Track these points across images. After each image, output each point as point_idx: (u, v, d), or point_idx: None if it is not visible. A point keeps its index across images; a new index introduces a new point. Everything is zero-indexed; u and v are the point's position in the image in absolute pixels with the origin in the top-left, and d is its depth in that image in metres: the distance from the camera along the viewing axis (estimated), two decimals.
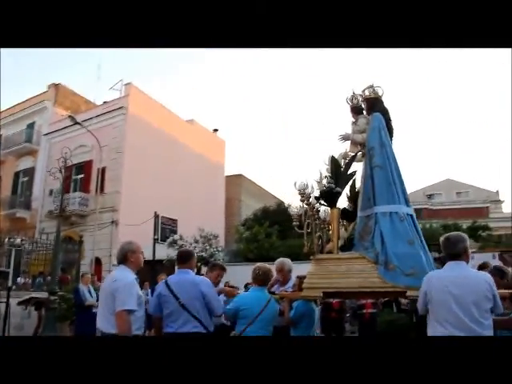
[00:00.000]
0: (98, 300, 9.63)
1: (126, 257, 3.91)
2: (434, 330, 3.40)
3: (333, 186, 4.57)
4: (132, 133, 22.11)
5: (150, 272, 16.14)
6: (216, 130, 30.02)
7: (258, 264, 4.72)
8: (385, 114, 5.02)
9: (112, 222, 20.94)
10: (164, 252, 17.94)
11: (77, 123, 19.30)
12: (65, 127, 23.83)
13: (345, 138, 4.96)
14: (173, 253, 17.39)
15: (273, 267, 5.21)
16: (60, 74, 62.59)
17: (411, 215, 4.59)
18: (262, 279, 4.56)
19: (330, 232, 5.18)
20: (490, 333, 3.25)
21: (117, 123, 22.41)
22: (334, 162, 4.68)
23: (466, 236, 3.57)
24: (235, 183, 30.81)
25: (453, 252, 3.47)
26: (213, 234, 17.64)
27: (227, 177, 30.41)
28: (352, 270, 4.31)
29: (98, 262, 20.58)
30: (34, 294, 8.90)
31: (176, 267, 4.78)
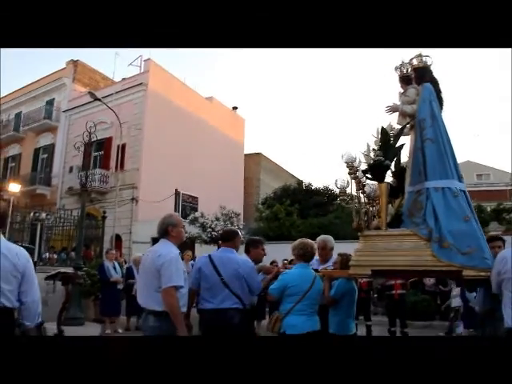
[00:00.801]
0: (122, 276, 9.70)
1: (166, 231, 3.75)
2: (508, 315, 3.24)
3: (382, 158, 4.33)
4: (152, 109, 21.94)
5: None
6: (235, 108, 29.69)
7: (302, 240, 4.53)
8: (435, 84, 4.74)
9: (132, 199, 20.94)
10: (186, 230, 17.90)
11: (97, 99, 19.11)
12: (84, 104, 23.74)
13: (393, 109, 4.68)
14: (194, 230, 17.39)
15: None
16: (78, 50, 62.36)
17: (464, 191, 4.34)
18: (309, 255, 4.40)
19: (374, 208, 4.98)
20: None
21: (137, 99, 22.23)
22: (383, 133, 4.43)
23: None
24: (254, 162, 30.61)
25: None
26: (234, 212, 17.52)
27: (246, 155, 30.19)
28: (403, 247, 4.10)
29: (117, 238, 20.63)
30: (62, 269, 8.83)
31: (219, 245, 4.72)
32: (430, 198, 4.21)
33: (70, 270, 9.53)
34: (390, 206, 4.85)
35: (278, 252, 10.09)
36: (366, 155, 4.46)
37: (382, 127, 4.48)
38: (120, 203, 20.64)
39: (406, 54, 4.89)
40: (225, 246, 4.46)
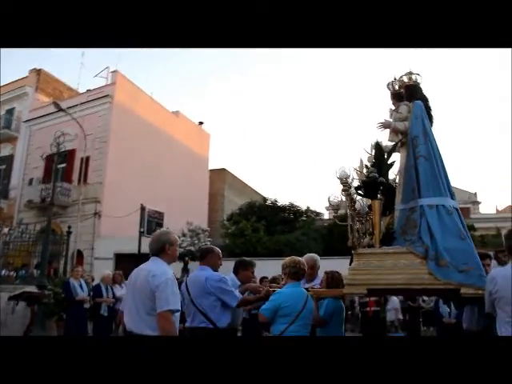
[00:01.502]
0: (89, 295, 9.24)
1: (163, 249, 3.50)
2: (505, 330, 3.21)
3: (376, 175, 4.27)
4: (117, 122, 21.53)
5: (135, 266, 15.67)
6: (201, 123, 29.53)
7: (293, 258, 4.39)
8: (425, 101, 4.76)
9: (95, 213, 20.31)
10: None
11: (61, 110, 18.57)
12: (46, 114, 23.04)
13: (385, 125, 4.67)
14: None
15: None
16: (41, 59, 60.82)
17: (456, 209, 4.34)
18: (302, 273, 4.28)
19: (363, 225, 4.91)
20: None
21: (102, 112, 21.77)
22: (378, 149, 4.38)
23: None
24: (219, 177, 30.38)
25: None
26: (201, 228, 17.26)
27: (211, 171, 29.98)
28: (399, 266, 4.03)
29: (79, 254, 19.93)
30: (27, 289, 8.37)
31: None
32: (425, 216, 4.18)
33: (33, 289, 9.00)
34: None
35: None
36: (360, 172, 4.41)
37: (377, 143, 4.45)
38: (82, 218, 19.99)
39: (397, 71, 4.91)
40: (200, 264, 4.49)
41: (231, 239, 21.11)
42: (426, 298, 12.05)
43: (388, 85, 4.87)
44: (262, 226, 20.99)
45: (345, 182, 4.24)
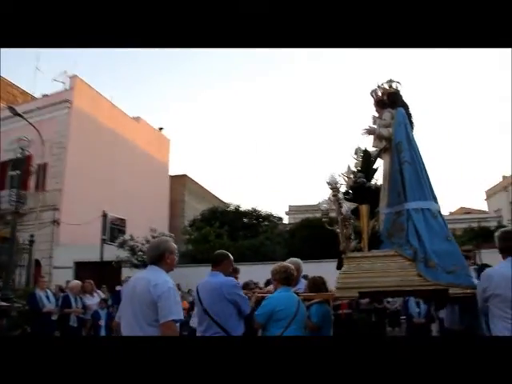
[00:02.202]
0: (56, 305, 8.92)
1: (162, 257, 3.38)
2: (496, 326, 3.35)
3: (364, 180, 4.39)
4: (76, 128, 20.92)
5: (97, 274, 15.35)
6: (161, 129, 29.21)
7: (283, 264, 4.40)
8: (406, 108, 4.93)
9: (53, 221, 19.66)
10: (112, 253, 17.11)
11: (17, 115, 17.87)
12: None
13: (370, 131, 4.80)
14: (122, 254, 16.65)
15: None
16: None
17: (439, 212, 4.51)
18: (292, 279, 4.30)
19: (347, 230, 5.01)
20: None
21: (60, 117, 21.04)
22: (366, 155, 4.50)
23: None
24: (179, 183, 30.09)
25: None
26: (165, 234, 16.98)
27: (171, 176, 29.67)
28: (389, 268, 4.15)
29: (37, 263, 19.22)
30: None
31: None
32: (411, 219, 4.32)
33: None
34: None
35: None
36: (348, 177, 4.50)
37: (365, 150, 4.56)
38: (40, 226, 19.33)
39: (379, 78, 5.05)
40: (213, 270, 4.27)
41: (194, 245, 20.93)
42: (390, 299, 12.36)
43: (371, 92, 5.00)
44: (225, 232, 20.93)
45: (334, 187, 4.32)
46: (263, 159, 79.21)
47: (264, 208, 24.83)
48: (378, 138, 4.81)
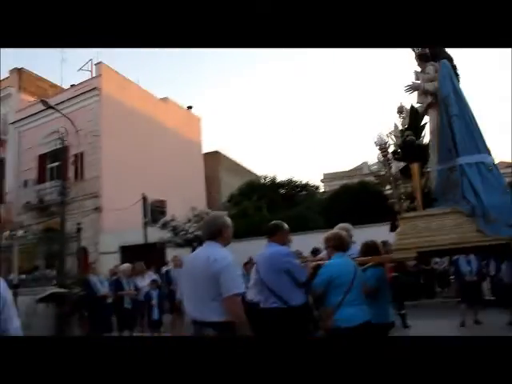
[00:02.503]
0: (110, 290, 9.16)
1: (219, 232, 3.37)
2: None
3: (413, 138, 4.25)
4: (107, 114, 21.18)
5: (143, 257, 15.66)
6: (190, 107, 29.22)
7: (335, 230, 4.37)
8: (450, 61, 4.72)
9: (95, 208, 20.15)
10: (156, 235, 17.44)
11: (50, 107, 18.17)
12: (33, 114, 22.63)
13: (414, 87, 4.63)
14: (165, 235, 16.93)
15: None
16: (20, 58, 59.45)
17: (495, 165, 4.35)
18: (346, 244, 4.25)
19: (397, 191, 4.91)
20: None
21: (91, 105, 21.37)
22: (414, 113, 4.35)
23: None
24: (213, 160, 30.21)
25: None
26: (206, 213, 17.13)
27: (204, 154, 29.79)
28: (446, 226, 4.05)
29: (83, 251, 19.82)
30: (55, 289, 8.32)
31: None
32: (466, 174, 4.18)
33: (58, 289, 8.96)
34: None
35: (254, 250, 9.77)
36: (396, 136, 4.38)
37: (412, 107, 4.41)
38: (83, 214, 19.85)
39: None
40: (269, 241, 4.28)
41: (234, 220, 21.04)
42: (438, 259, 12.20)
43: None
44: (265, 205, 20.98)
45: (383, 147, 4.22)
46: (293, 128, 78.66)
47: (299, 178, 24.80)
48: (424, 93, 4.63)
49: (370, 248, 4.73)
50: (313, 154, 71.98)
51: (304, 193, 23.57)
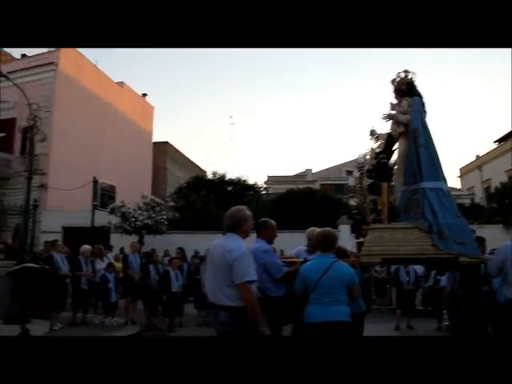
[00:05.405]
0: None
1: (239, 224, 3.66)
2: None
3: (387, 161, 4.96)
4: (61, 91, 20.76)
5: (86, 239, 15.56)
6: (145, 95, 29.07)
7: (323, 229, 4.45)
8: (421, 98, 5.48)
9: (41, 185, 19.70)
10: (101, 219, 17.39)
11: (3, 75, 17.57)
12: None
13: (390, 117, 5.34)
14: (114, 219, 16.91)
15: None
16: None
17: (449, 192, 5.16)
18: (330, 245, 4.34)
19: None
20: None
21: (45, 80, 20.83)
22: (389, 138, 5.06)
23: None
24: (161, 150, 30.19)
25: None
26: (156, 201, 17.32)
27: (154, 143, 29.73)
28: (408, 239, 4.79)
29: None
30: (29, 264, 8.34)
31: None
32: (426, 197, 4.95)
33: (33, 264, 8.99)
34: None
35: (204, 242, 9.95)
36: (371, 157, 5.07)
37: (389, 134, 5.12)
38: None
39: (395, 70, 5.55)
40: (257, 238, 4.53)
41: (180, 213, 21.30)
42: (378, 268, 13.12)
43: (392, 81, 5.51)
44: (212, 200, 21.36)
45: (361, 166, 4.90)
46: (240, 128, 79.14)
47: (247, 177, 25.33)
48: (397, 123, 5.35)
49: (341, 251, 5.28)
50: (258, 156, 72.85)
51: (251, 192, 24.17)
